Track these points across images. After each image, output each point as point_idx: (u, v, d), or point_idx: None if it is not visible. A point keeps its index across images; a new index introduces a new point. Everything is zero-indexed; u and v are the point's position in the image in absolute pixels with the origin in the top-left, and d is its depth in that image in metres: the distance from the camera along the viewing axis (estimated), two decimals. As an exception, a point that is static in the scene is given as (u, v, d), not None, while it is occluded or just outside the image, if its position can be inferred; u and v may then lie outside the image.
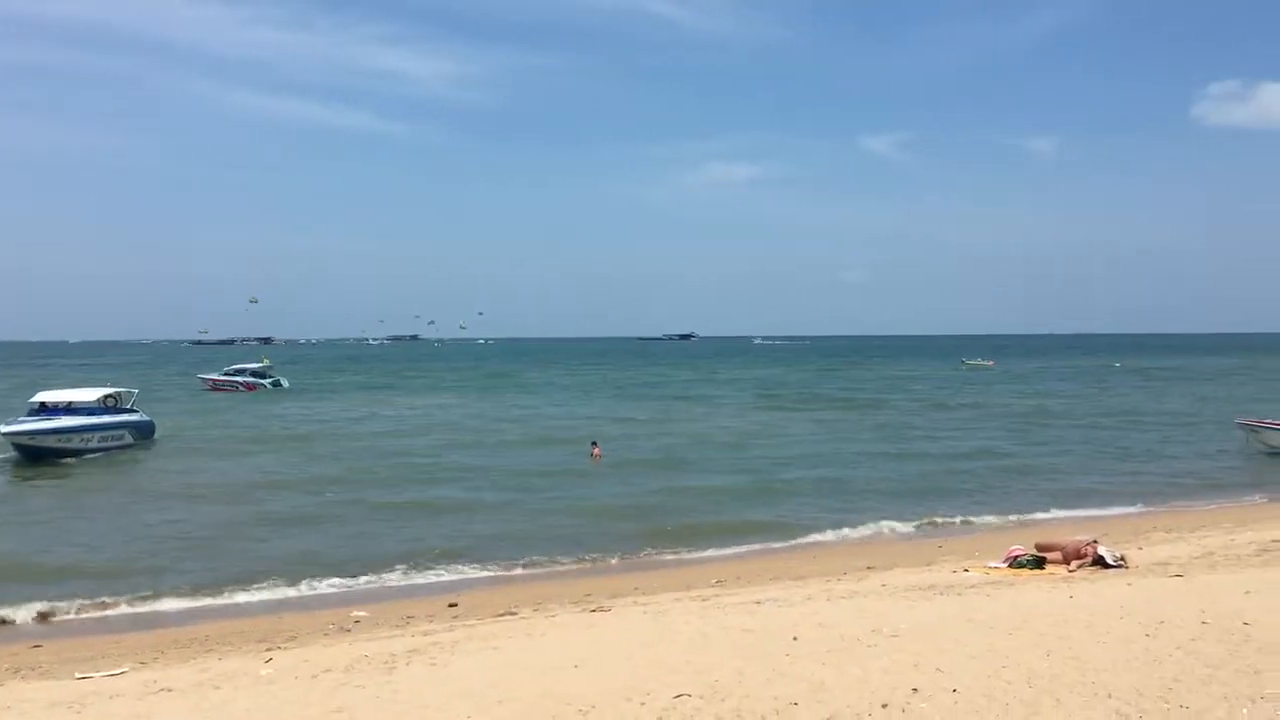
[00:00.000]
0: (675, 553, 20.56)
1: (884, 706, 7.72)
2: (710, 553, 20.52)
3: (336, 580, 18.26)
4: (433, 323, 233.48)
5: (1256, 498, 25.79)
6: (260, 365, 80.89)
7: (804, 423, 48.28)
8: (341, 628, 14.36)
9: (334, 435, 43.41)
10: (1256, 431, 34.42)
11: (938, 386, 77.67)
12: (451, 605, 15.84)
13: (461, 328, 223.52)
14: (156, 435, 40.37)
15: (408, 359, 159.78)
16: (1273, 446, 33.07)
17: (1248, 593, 11.34)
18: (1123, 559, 14.78)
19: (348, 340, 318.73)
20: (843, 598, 13.02)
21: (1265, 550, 15.03)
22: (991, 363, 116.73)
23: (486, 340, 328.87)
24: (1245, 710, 7.17)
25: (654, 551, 20.64)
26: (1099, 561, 14.67)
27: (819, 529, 22.34)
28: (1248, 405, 48.06)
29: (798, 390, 74.89)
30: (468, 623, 13.63)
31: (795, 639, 10.02)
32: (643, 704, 8.06)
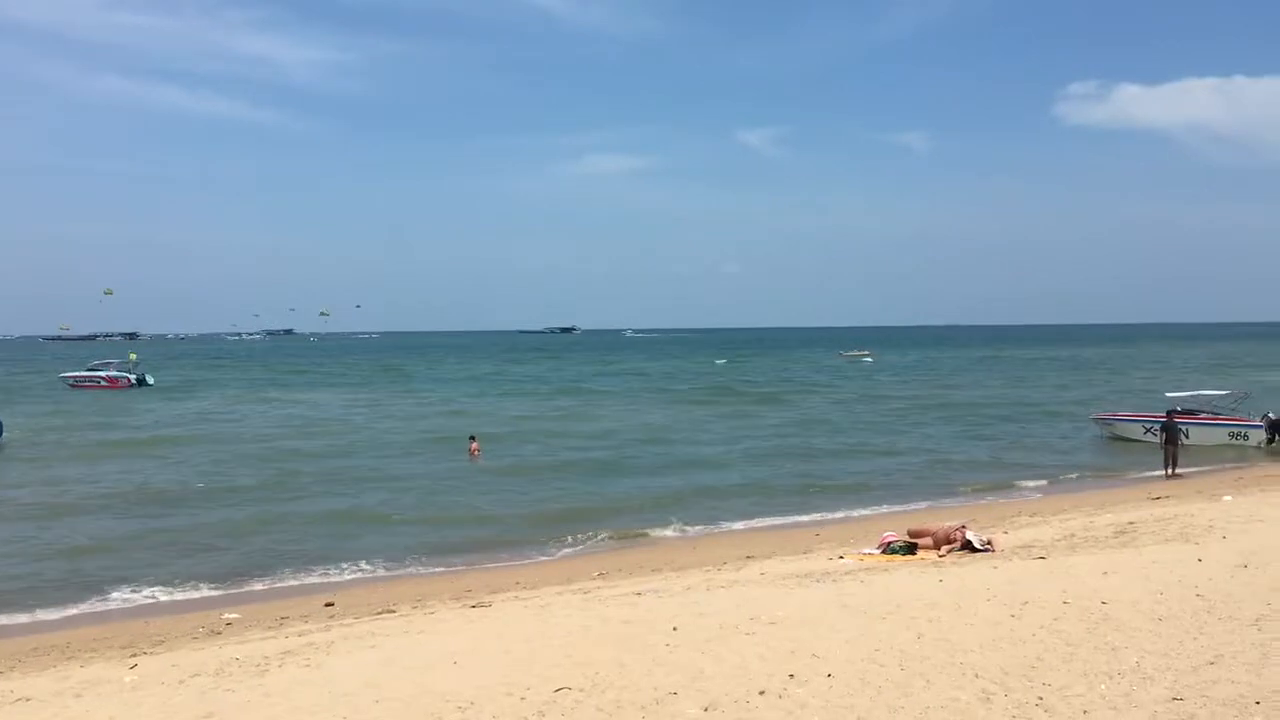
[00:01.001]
0: (558, 546, 20.50)
1: (761, 693, 7.83)
2: (593, 545, 20.53)
3: (206, 583, 17.67)
4: (325, 314, 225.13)
5: (1120, 481, 26.94)
6: (125, 361, 77.97)
7: (701, 417, 48.67)
8: (211, 630, 13.92)
9: (203, 436, 42.00)
10: (1110, 424, 36.03)
11: (815, 373, 79.19)
12: (328, 605, 15.50)
13: (323, 314, 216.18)
14: (4, 438, 38.30)
15: (283, 354, 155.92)
16: (1125, 436, 34.63)
17: (1106, 573, 11.84)
18: (989, 543, 15.26)
19: (220, 335, 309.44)
20: (722, 587, 13.17)
21: (1122, 532, 15.69)
22: (869, 354, 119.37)
23: (370, 334, 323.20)
24: (1103, 686, 7.48)
25: (537, 546, 20.54)
26: (967, 546, 15.11)
27: (702, 521, 22.50)
28: (1104, 396, 50.25)
29: (689, 383, 75.46)
30: (345, 622, 13.36)
31: (675, 629, 10.09)
32: (522, 698, 8.01)
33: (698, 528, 21.93)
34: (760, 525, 22.19)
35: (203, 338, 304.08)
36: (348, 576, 18.43)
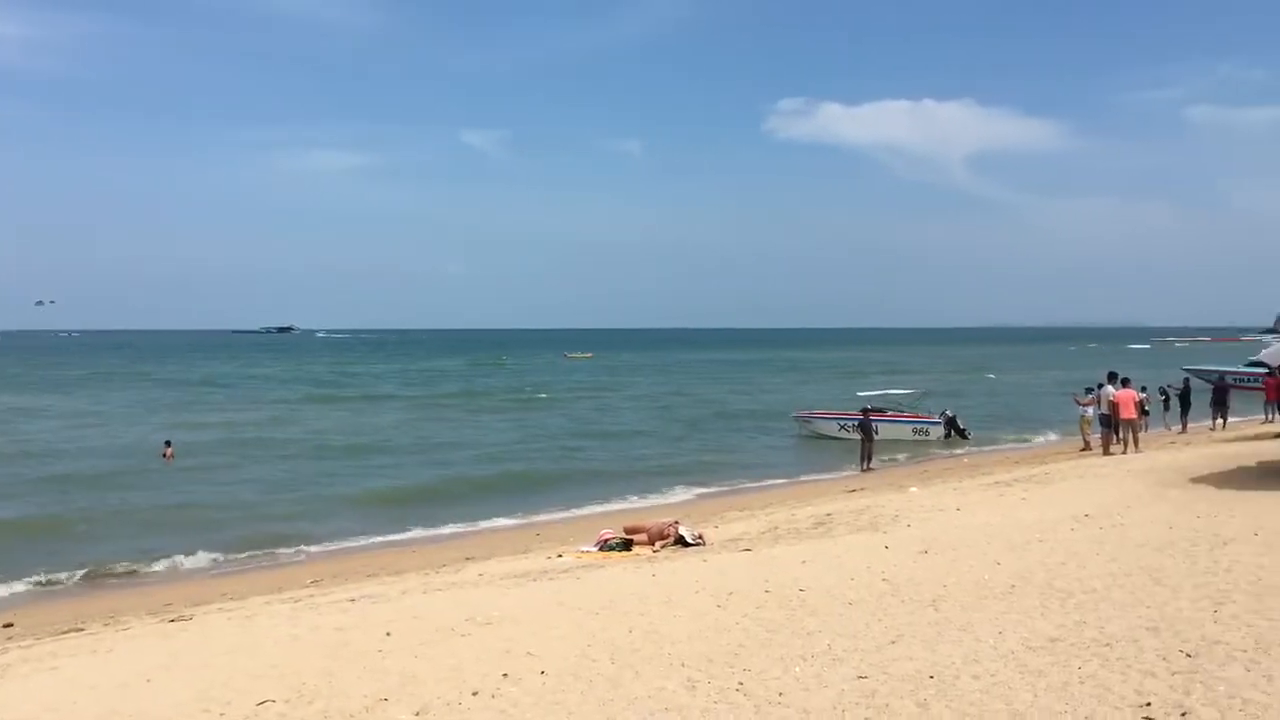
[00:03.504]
0: (270, 554, 19.66)
1: (475, 694, 7.80)
2: (304, 552, 19.82)
3: None
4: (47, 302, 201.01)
5: (821, 476, 28.57)
6: None
7: (421, 419, 47.84)
8: None
9: None
10: (809, 422, 38.34)
11: (540, 374, 79.74)
12: (7, 625, 14.18)
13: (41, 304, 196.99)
14: None
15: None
16: (823, 433, 36.90)
17: (804, 562, 12.56)
18: (701, 537, 15.87)
19: None
20: (439, 590, 13.03)
21: (820, 523, 16.69)
22: (590, 355, 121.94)
23: (70, 333, 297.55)
24: (798, 669, 7.92)
25: (246, 554, 19.60)
26: (680, 541, 15.65)
27: (421, 524, 22.17)
28: (807, 396, 53.33)
29: (419, 385, 74.06)
30: (23, 643, 12.25)
31: (389, 634, 9.89)
32: (222, 714, 7.62)
33: (416, 531, 21.61)
34: (481, 527, 22.12)
35: None
36: (31, 590, 16.98)
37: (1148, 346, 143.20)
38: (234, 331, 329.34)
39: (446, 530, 21.80)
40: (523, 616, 10.41)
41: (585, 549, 16.15)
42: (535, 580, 13.02)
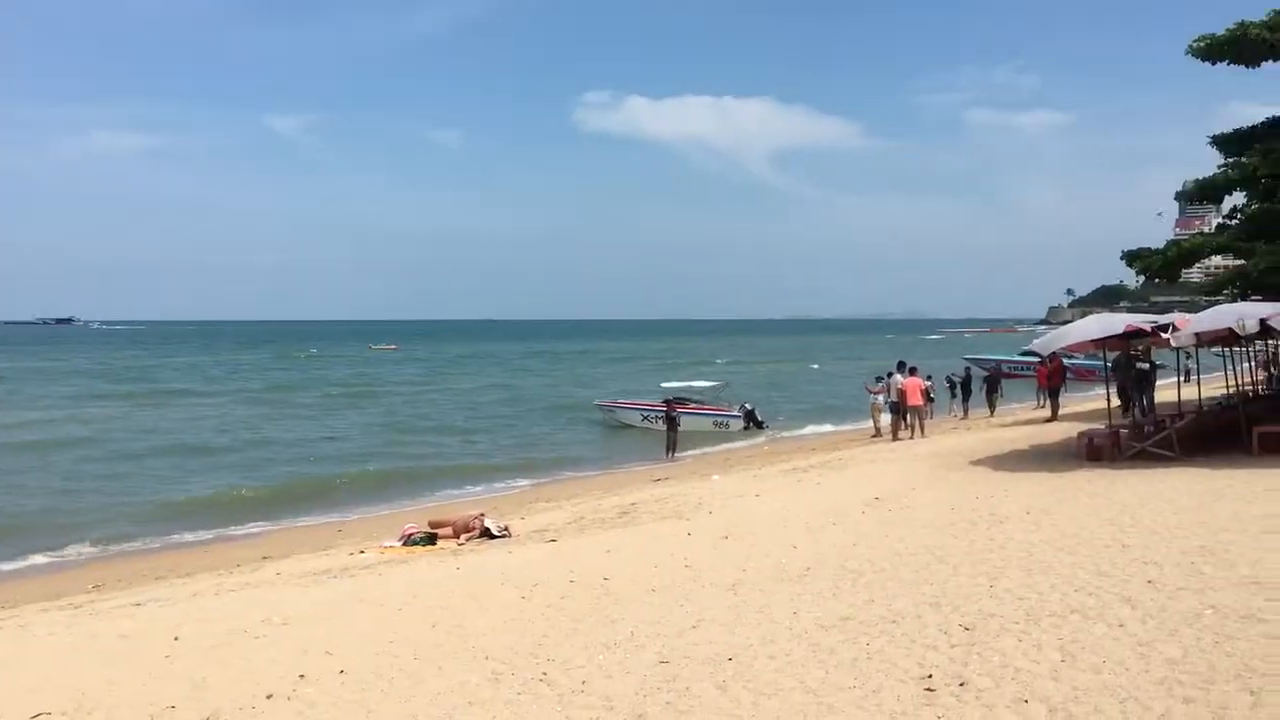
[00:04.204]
0: (47, 560, 18.43)
1: (269, 697, 7.55)
2: (85, 555, 18.68)
3: None
4: None
5: (627, 466, 28.83)
6: None
7: (210, 414, 45.77)
8: None
9: None
10: (612, 411, 38.75)
11: (345, 367, 77.63)
12: None
13: None
14: None
15: None
16: (627, 424, 37.36)
17: (608, 551, 12.69)
18: (507, 529, 15.81)
19: None
20: (233, 590, 12.54)
21: (625, 513, 16.90)
22: (395, 347, 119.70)
23: None
24: (601, 656, 7.99)
25: (20, 561, 18.32)
26: (486, 533, 15.56)
27: (216, 524, 21.24)
28: (613, 386, 53.84)
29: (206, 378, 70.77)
30: None
31: (177, 639, 9.46)
32: (-11, 731, 7.12)
33: (208, 531, 20.67)
34: (281, 525, 21.32)
35: None
36: None
37: (941, 337, 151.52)
38: (5, 323, 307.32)
39: (243, 530, 20.91)
40: (321, 615, 10.13)
41: (389, 544, 15.84)
42: (335, 577, 12.69)
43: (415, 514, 19.98)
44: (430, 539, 15.69)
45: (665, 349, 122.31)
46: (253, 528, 21.08)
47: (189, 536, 20.11)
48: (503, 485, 25.94)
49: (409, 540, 15.71)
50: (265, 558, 16.39)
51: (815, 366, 79.95)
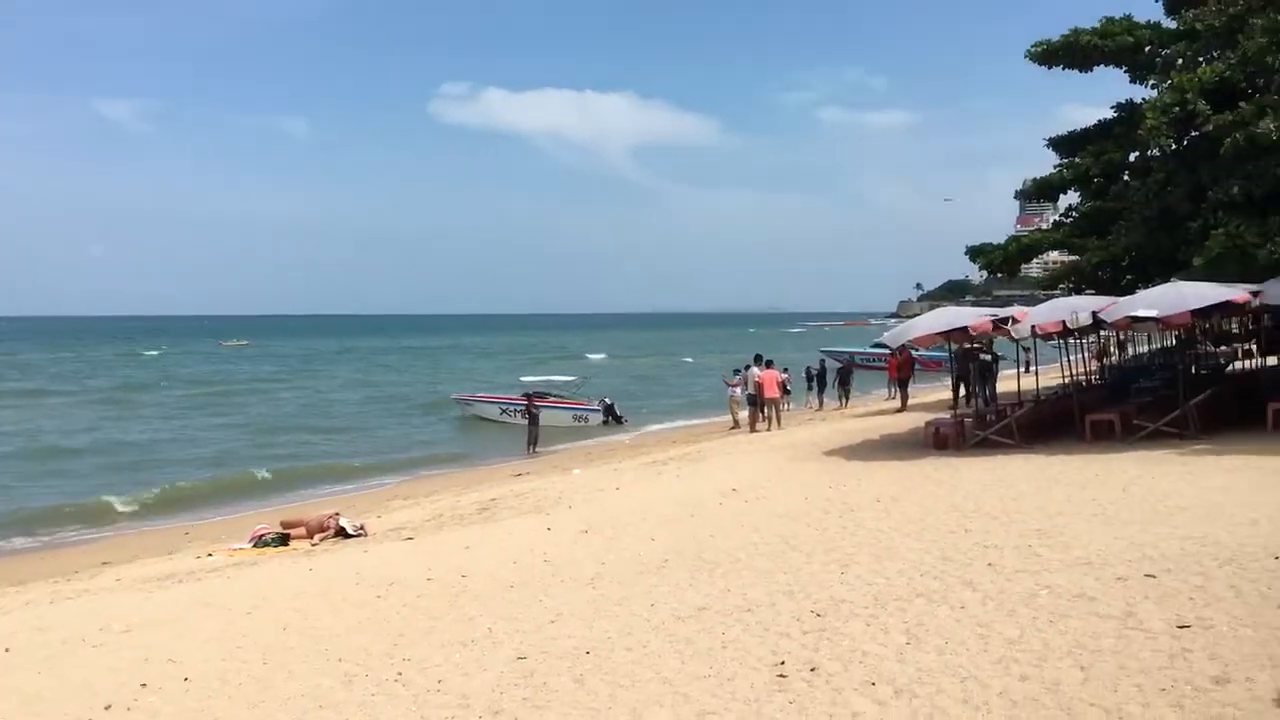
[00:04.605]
0: None
1: (108, 708, 7.25)
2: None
3: None
4: None
5: (488, 462, 28.51)
6: None
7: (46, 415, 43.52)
8: None
9: None
10: (469, 404, 38.41)
11: (200, 364, 74.83)
12: None
13: None
14: None
15: None
16: (486, 417, 37.08)
17: (467, 548, 12.57)
18: (363, 528, 15.49)
19: None
20: (70, 598, 11.97)
21: (485, 509, 16.75)
22: (248, 343, 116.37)
23: None
24: (458, 655, 7.91)
25: None
26: (341, 533, 15.22)
27: (51, 528, 20.18)
28: (477, 379, 53.31)
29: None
30: None
31: (8, 650, 9.01)
32: None
33: (43, 536, 19.62)
34: (123, 530, 20.39)
35: None
36: None
37: (804, 330, 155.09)
38: None
39: (82, 535, 19.93)
40: (165, 621, 9.78)
41: (238, 547, 15.34)
42: (181, 582, 12.25)
43: (268, 515, 19.39)
44: (283, 540, 15.26)
45: (534, 344, 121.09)
46: (93, 533, 20.11)
47: (22, 543, 19.06)
48: (360, 483, 25.36)
49: (260, 542, 15.24)
50: (105, 563, 15.65)
51: (689, 360, 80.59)
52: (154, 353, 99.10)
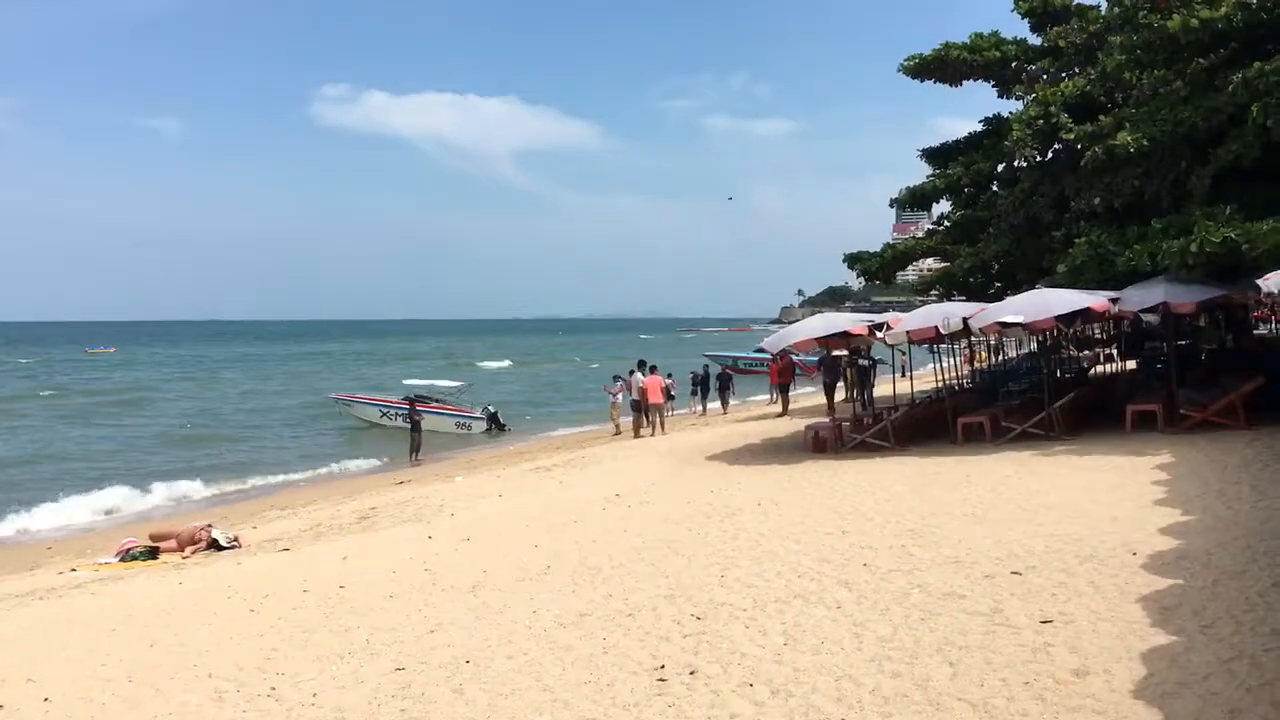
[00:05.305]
0: None
1: (-41, 733, 6.90)
2: None
3: None
4: None
5: (367, 469, 27.98)
6: None
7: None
8: None
9: None
10: (350, 406, 37.72)
11: (56, 372, 71.76)
12: None
13: None
14: None
15: None
16: (365, 419, 36.45)
17: (345, 558, 12.32)
18: (236, 539, 15.08)
19: None
20: (-80, 619, 11.35)
21: (365, 518, 16.45)
22: (113, 350, 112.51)
23: None
24: (334, 667, 7.74)
25: None
26: (214, 545, 14.78)
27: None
28: (352, 385, 52.27)
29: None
30: None
31: None
32: None
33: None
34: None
35: None
36: None
37: (694, 335, 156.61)
38: None
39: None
40: (23, 639, 9.37)
41: (104, 561, 14.78)
42: (42, 599, 11.74)
43: (135, 528, 18.71)
44: (151, 553, 14.76)
45: (427, 350, 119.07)
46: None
47: None
48: (234, 492, 24.65)
49: (127, 555, 14.71)
50: (-41, 581, 14.93)
51: (595, 366, 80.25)
52: (25, 360, 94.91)
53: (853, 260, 27.76)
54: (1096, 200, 19.50)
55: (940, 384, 25.00)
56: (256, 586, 10.98)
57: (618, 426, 29.30)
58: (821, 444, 18.72)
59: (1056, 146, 21.89)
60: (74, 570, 14.33)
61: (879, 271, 27.35)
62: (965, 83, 25.48)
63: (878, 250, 27.80)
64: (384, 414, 35.36)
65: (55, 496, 23.09)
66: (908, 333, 18.27)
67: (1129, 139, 18.04)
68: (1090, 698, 5.65)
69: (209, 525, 15.39)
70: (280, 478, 26.58)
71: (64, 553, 17.16)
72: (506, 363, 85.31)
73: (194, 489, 24.85)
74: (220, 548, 14.72)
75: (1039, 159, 22.42)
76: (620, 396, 29.16)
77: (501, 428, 35.67)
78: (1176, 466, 13.17)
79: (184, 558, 14.39)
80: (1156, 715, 5.37)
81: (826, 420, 20.59)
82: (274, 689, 7.34)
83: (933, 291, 28.37)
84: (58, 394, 56.17)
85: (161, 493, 24.24)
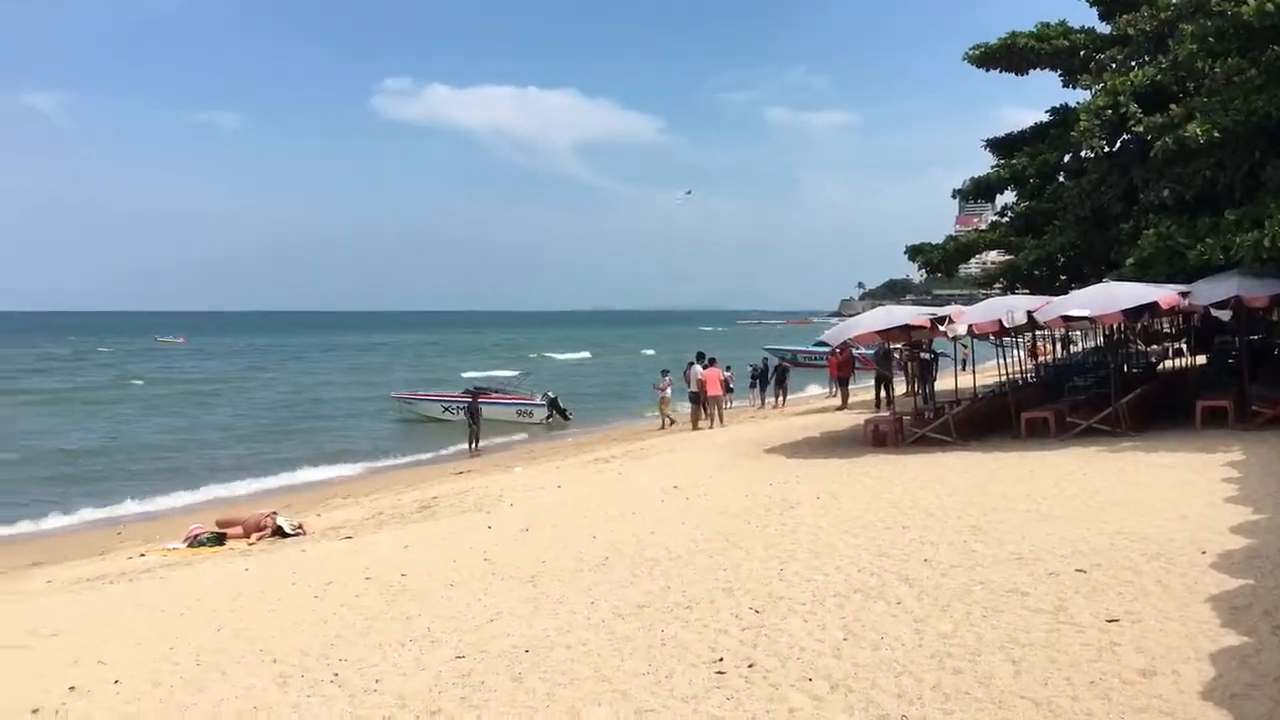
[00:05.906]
0: None
1: (35, 712, 7.09)
2: None
3: None
4: None
5: (429, 460, 28.24)
6: None
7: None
8: None
9: None
10: (410, 403, 38.10)
11: (133, 360, 73.36)
12: None
13: None
14: None
15: None
16: (426, 415, 36.79)
17: (406, 547, 12.46)
18: (301, 527, 15.32)
19: None
20: (-3, 601, 11.69)
21: (426, 507, 16.62)
22: (182, 339, 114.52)
23: None
24: (396, 654, 7.84)
25: None
26: (279, 532, 15.03)
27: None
28: (415, 379, 52.83)
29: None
30: None
31: (-70, 657, 8.75)
32: None
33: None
34: (51, 527, 19.97)
35: None
36: None
37: (758, 326, 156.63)
38: None
39: (6, 532, 19.47)
40: (95, 623, 9.59)
41: (172, 546, 15.09)
42: (113, 583, 12.02)
43: (203, 514, 19.09)
44: (218, 539, 15.04)
45: (497, 343, 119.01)
46: (18, 529, 19.67)
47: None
48: (299, 481, 25.02)
49: (195, 541, 15.01)
50: (35, 564, 15.33)
51: (649, 352, 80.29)
52: (105, 350, 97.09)
53: (914, 252, 27.46)
54: (1166, 192, 19.08)
55: (1003, 378, 24.66)
56: (320, 573, 11.14)
57: (665, 420, 29.25)
58: (881, 438, 18.57)
59: (1125, 137, 21.47)
60: (143, 555, 14.64)
61: (941, 264, 27.00)
62: (1031, 72, 25.10)
63: (940, 242, 27.48)
64: (445, 409, 35.61)
65: (126, 484, 23.66)
66: (970, 326, 18.05)
67: (1200, 129, 17.63)
68: (1157, 698, 5.55)
69: (274, 513, 15.65)
70: (343, 467, 26.97)
71: (133, 538, 17.55)
72: (585, 354, 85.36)
73: (259, 479, 25.29)
74: (285, 535, 14.97)
75: (1107, 149, 22.01)
76: (669, 390, 29.22)
77: (564, 414, 35.76)
78: (1247, 464, 12.88)
79: (250, 544, 14.65)
80: (1226, 717, 5.26)
81: (886, 414, 20.40)
82: (337, 674, 7.44)
83: (996, 285, 27.98)
84: (145, 384, 57.26)
85: (228, 481, 24.72)
